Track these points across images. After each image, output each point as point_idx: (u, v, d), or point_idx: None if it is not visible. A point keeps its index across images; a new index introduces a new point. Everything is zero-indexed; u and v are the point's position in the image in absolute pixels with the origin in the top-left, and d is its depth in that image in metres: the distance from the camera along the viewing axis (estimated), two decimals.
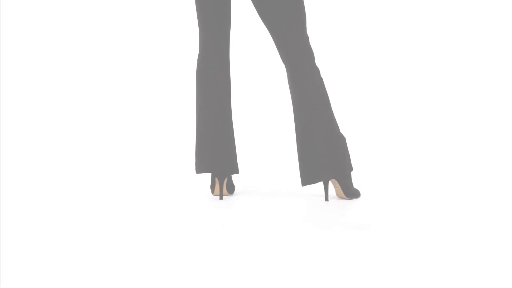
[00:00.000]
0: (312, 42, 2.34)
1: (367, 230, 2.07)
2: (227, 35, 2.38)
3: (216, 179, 2.42)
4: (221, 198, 2.42)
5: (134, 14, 4.88)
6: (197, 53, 2.42)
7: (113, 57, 4.81)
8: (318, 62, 2.36)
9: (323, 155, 2.26)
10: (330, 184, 2.37)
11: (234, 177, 2.59)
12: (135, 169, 3.07)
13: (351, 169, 2.34)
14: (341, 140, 2.30)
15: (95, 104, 4.58)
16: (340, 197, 2.37)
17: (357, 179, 2.53)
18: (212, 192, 2.47)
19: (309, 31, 2.35)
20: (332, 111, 2.30)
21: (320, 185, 2.40)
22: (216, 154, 2.38)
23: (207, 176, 2.61)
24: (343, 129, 2.41)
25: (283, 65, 2.32)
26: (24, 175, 3.29)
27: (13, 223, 2.37)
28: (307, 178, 2.29)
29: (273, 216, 2.25)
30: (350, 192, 2.35)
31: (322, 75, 2.32)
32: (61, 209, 2.46)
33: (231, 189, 2.49)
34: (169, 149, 3.49)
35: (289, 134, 2.79)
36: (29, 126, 4.53)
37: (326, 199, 2.34)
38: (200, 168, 2.43)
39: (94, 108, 4.58)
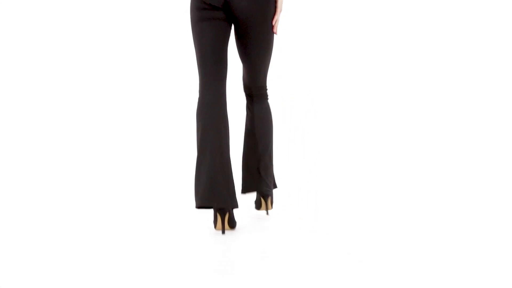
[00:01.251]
0: None
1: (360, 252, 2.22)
2: (224, 78, 2.56)
3: (218, 214, 2.54)
4: (223, 232, 2.54)
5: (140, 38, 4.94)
6: (197, 97, 2.60)
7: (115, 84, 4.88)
8: None
9: (271, 175, 2.73)
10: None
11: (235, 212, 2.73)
12: (137, 205, 3.11)
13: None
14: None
15: (98, 129, 4.68)
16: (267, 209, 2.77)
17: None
18: (215, 227, 2.57)
19: None
20: None
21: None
22: (217, 190, 2.50)
23: (208, 211, 2.72)
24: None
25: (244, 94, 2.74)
26: (18, 185, 3.36)
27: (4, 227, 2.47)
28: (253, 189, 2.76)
29: (273, 249, 2.38)
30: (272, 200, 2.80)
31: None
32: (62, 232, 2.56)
33: (232, 224, 2.61)
34: (172, 182, 3.58)
35: (283, 171, 2.92)
36: (25, 136, 4.56)
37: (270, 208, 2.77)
38: (200, 202, 2.53)
39: (98, 133, 4.70)
